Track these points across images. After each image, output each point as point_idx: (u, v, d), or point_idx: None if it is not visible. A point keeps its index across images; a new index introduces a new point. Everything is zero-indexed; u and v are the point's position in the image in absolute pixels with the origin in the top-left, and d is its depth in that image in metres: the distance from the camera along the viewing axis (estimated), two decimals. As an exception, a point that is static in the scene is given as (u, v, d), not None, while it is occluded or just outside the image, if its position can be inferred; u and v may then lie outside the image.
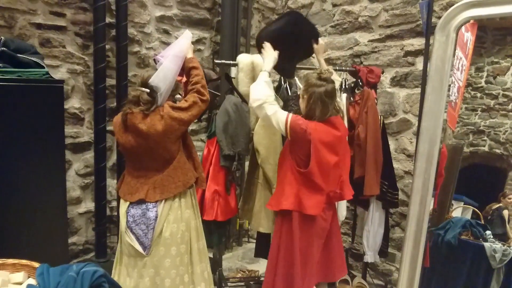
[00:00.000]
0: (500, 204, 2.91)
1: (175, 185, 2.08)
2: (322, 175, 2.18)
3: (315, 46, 2.56)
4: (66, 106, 2.82)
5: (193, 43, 3.56)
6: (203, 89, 2.06)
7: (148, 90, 1.97)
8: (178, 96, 2.13)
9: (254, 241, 3.44)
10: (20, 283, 1.49)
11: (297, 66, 2.75)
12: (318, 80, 2.16)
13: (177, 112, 1.99)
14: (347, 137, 2.46)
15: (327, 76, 2.18)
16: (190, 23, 3.58)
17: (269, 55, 2.29)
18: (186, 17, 3.55)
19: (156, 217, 2.07)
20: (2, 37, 2.23)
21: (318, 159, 2.13)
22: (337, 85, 2.41)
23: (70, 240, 2.98)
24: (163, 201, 2.08)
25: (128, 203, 2.11)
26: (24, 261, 1.58)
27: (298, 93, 2.52)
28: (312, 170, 2.13)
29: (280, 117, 2.10)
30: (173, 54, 2.04)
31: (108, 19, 2.95)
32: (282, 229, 2.22)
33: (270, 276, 2.28)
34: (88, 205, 3.14)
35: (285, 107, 2.56)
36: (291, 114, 2.13)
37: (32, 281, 1.49)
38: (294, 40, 2.47)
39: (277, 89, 2.81)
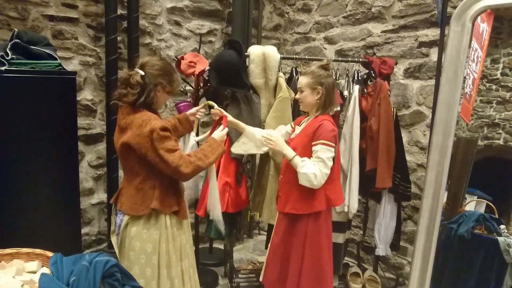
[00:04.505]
0: None
1: (130, 206, 1.91)
2: (338, 165, 2.22)
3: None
4: (78, 98, 2.84)
5: (204, 34, 3.59)
6: (189, 173, 1.86)
7: (142, 73, 1.85)
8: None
9: (265, 233, 3.46)
10: (34, 272, 1.51)
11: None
12: (325, 71, 2.13)
13: (161, 139, 1.78)
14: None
15: (328, 66, 2.16)
16: (201, 15, 3.57)
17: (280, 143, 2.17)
18: (197, 9, 3.53)
19: (120, 225, 1.97)
20: (15, 29, 2.24)
21: (337, 152, 2.16)
22: None
23: (83, 231, 3.02)
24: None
25: None
26: (38, 251, 1.60)
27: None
28: (336, 164, 2.15)
29: (327, 162, 2.00)
30: None
31: (119, 11, 2.95)
32: (307, 229, 2.15)
33: (294, 279, 2.20)
34: (101, 196, 3.18)
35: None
36: (326, 137, 2.02)
37: (46, 270, 1.51)
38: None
39: (289, 81, 2.80)
